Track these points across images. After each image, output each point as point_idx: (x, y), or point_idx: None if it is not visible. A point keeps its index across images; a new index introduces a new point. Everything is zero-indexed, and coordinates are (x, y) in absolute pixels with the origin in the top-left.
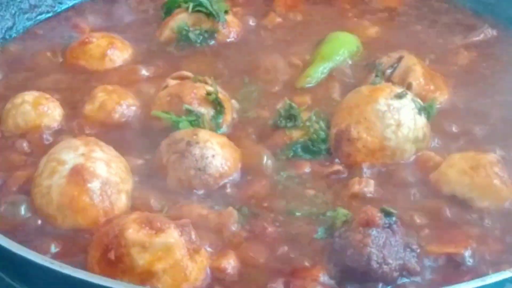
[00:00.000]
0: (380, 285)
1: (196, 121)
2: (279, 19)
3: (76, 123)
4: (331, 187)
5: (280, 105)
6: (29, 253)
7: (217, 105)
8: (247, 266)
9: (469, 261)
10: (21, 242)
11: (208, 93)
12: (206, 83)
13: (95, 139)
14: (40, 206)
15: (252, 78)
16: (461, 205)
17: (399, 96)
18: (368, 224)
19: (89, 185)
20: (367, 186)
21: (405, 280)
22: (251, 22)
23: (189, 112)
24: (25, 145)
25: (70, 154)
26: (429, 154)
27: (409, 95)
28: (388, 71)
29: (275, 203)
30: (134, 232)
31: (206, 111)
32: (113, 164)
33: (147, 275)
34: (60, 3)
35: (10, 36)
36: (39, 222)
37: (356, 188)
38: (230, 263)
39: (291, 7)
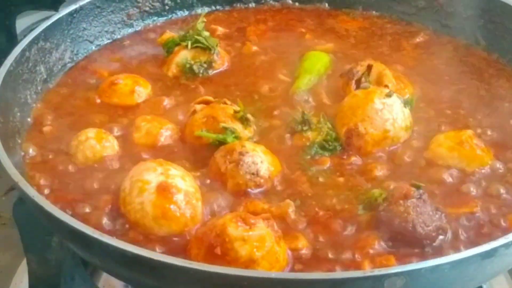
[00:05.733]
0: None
1: (237, 136)
2: (255, 47)
3: (134, 149)
4: (353, 174)
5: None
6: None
7: (244, 120)
8: (316, 244)
9: (481, 217)
10: None
11: (236, 111)
12: (225, 103)
13: (165, 160)
14: (135, 220)
15: (257, 96)
16: (456, 173)
17: (389, 95)
18: (406, 197)
19: (175, 197)
20: (381, 169)
21: (441, 237)
22: (233, 53)
23: (225, 128)
24: (100, 172)
25: (151, 174)
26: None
27: (395, 93)
28: (363, 78)
29: (317, 192)
30: (233, 230)
31: (237, 127)
32: (186, 178)
33: (250, 263)
34: (76, 54)
35: (48, 86)
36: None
37: (375, 172)
38: (302, 244)
39: (262, 35)
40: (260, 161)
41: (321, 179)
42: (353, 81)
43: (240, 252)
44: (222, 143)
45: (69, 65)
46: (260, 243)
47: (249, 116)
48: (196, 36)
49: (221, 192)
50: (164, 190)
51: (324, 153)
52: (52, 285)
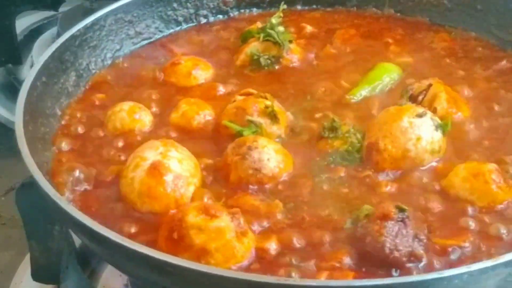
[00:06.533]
0: (393, 268)
1: (257, 131)
2: (333, 50)
3: (164, 128)
4: (361, 187)
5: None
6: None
7: (273, 117)
8: (285, 248)
9: (468, 251)
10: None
11: (266, 107)
12: (266, 98)
13: (173, 141)
14: (125, 194)
15: (309, 96)
16: (463, 205)
17: (420, 115)
18: (384, 217)
19: (164, 178)
20: (391, 187)
21: (412, 264)
22: (311, 52)
23: (250, 122)
24: (120, 143)
25: (151, 152)
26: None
27: (429, 114)
28: (420, 97)
29: (315, 199)
30: (192, 217)
31: (264, 122)
32: (184, 161)
33: (202, 252)
34: (161, 31)
35: (118, 57)
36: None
37: (382, 189)
38: (271, 245)
39: (347, 40)
40: (267, 159)
41: (325, 187)
42: (405, 98)
43: (194, 240)
44: (241, 135)
45: (147, 40)
46: (217, 235)
47: (280, 112)
48: (268, 30)
49: (222, 182)
50: (154, 169)
51: (342, 163)
52: (53, 273)
